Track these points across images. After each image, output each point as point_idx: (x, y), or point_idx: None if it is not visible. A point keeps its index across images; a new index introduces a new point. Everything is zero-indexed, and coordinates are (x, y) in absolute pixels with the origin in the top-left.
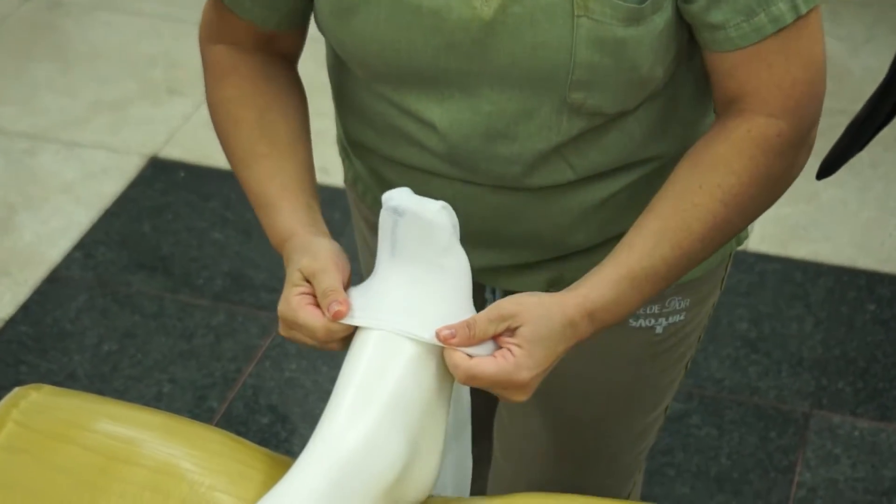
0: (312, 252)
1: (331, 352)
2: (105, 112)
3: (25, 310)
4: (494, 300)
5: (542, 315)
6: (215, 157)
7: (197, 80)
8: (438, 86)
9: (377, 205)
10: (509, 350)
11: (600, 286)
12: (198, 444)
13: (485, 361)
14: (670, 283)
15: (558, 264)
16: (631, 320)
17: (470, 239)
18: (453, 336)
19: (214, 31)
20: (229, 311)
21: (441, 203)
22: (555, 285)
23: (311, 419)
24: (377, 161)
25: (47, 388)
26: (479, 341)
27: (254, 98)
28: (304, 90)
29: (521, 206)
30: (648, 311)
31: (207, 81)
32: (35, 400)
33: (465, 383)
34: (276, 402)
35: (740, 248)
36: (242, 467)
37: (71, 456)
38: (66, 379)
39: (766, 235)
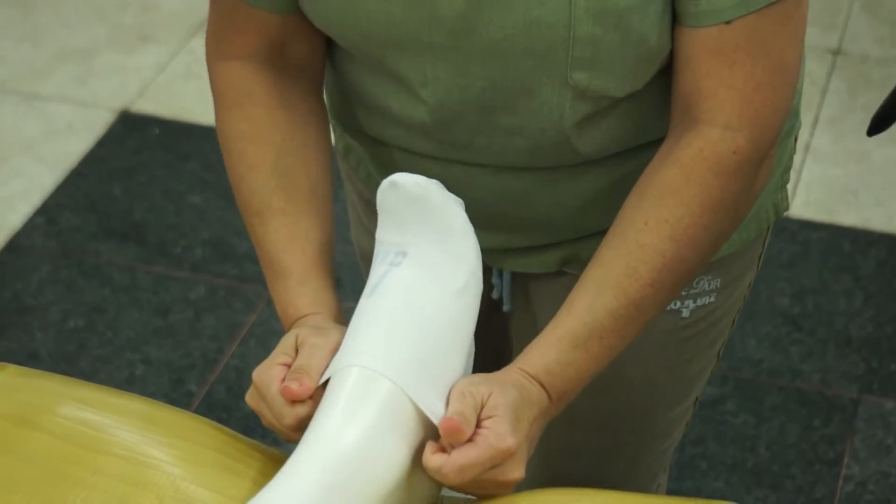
0: (320, 331)
1: None
2: (70, 61)
3: None
4: (501, 284)
5: (497, 384)
6: (193, 112)
7: (173, 25)
8: (423, 61)
9: (371, 179)
10: (481, 427)
11: (541, 349)
12: (178, 432)
13: (464, 449)
14: (630, 336)
15: (573, 244)
16: None
17: (476, 223)
18: (460, 432)
19: (223, 44)
20: (210, 283)
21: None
22: (569, 263)
23: None
24: (367, 140)
25: (12, 367)
26: (472, 429)
27: (271, 135)
28: (326, 116)
29: (528, 189)
30: None
31: (217, 110)
32: None
33: (457, 482)
34: None
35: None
36: (227, 460)
37: (39, 445)
38: (28, 359)
39: (810, 200)
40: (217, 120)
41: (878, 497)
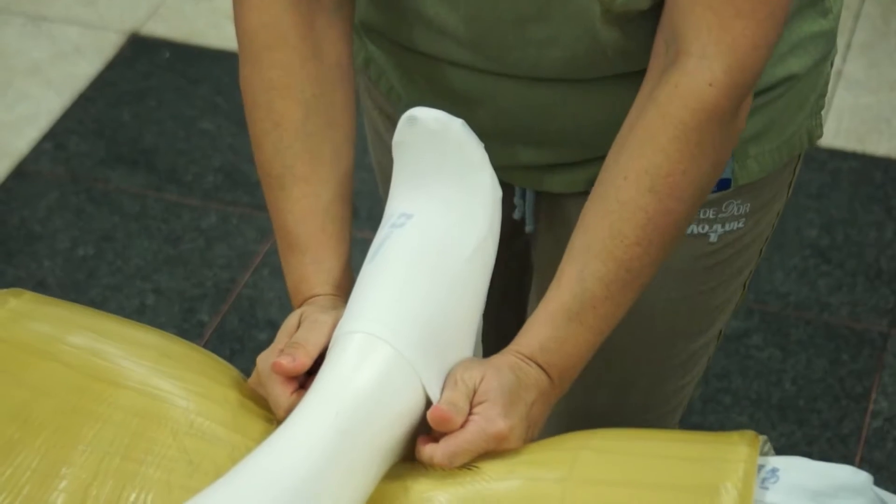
0: (325, 308)
1: None
2: None
3: None
4: (524, 204)
5: (492, 367)
6: (205, 35)
7: None
8: None
9: (393, 93)
10: (472, 413)
11: (534, 328)
12: (193, 367)
13: (455, 435)
14: (627, 302)
15: (600, 162)
16: None
17: (502, 136)
18: (450, 421)
19: None
20: (222, 211)
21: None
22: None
23: None
24: (394, 48)
25: (28, 294)
26: (465, 416)
27: (301, 89)
28: (353, 71)
29: (559, 100)
30: (702, 216)
31: (244, 52)
32: (14, 308)
33: (451, 465)
34: (275, 316)
35: None
36: (241, 397)
37: (52, 375)
38: (36, 287)
39: (841, 129)
40: (242, 64)
41: None
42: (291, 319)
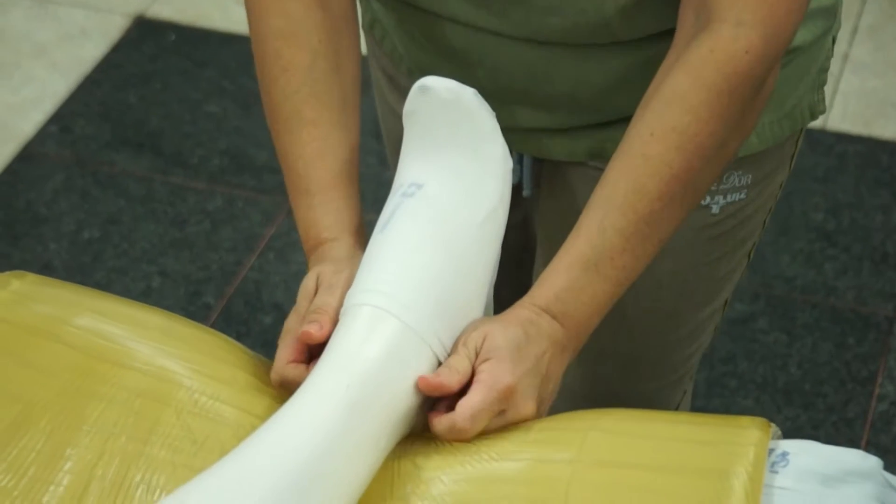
0: (336, 268)
1: None
2: None
3: None
4: (522, 171)
5: (499, 323)
6: (211, 18)
7: None
8: None
9: (396, 53)
10: (477, 372)
11: (550, 278)
12: (197, 346)
13: (466, 399)
14: (646, 256)
15: (600, 132)
16: None
17: (500, 96)
18: (441, 386)
19: None
20: (227, 194)
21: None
22: (597, 157)
23: None
24: (396, 4)
25: (31, 276)
26: (465, 377)
27: (308, 37)
28: (357, 21)
29: (556, 63)
30: None
31: (252, 6)
32: (17, 289)
33: (473, 432)
34: (280, 299)
35: (817, 126)
36: (247, 376)
37: (56, 356)
38: (42, 269)
39: (847, 112)
40: (250, 14)
41: None
42: (308, 282)
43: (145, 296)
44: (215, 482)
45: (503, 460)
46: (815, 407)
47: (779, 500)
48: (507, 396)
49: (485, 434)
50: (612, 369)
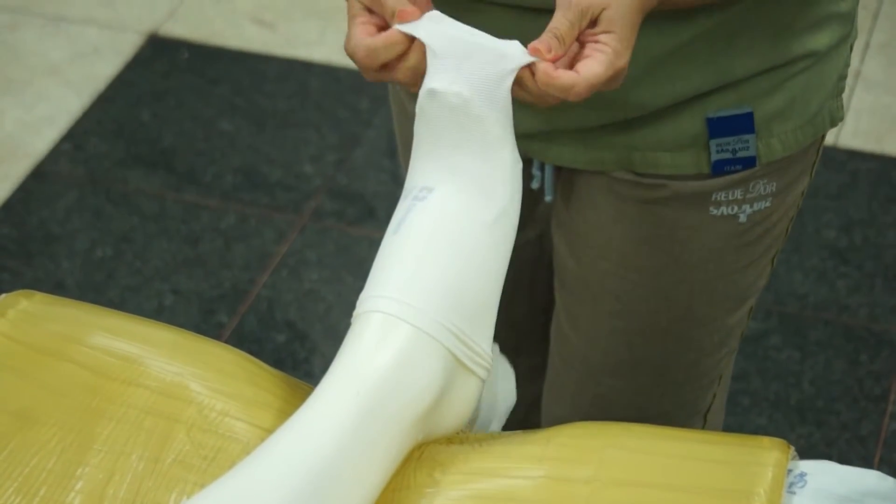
0: None
1: (356, 260)
2: None
3: (7, 209)
4: (542, 178)
5: None
6: (224, 35)
7: None
8: None
9: None
10: (598, 41)
11: None
12: (208, 363)
13: (589, 66)
14: None
15: (623, 136)
16: (712, 208)
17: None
18: (549, 50)
19: None
20: (240, 212)
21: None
22: (624, 167)
23: (334, 336)
24: None
25: (39, 295)
26: (569, 48)
27: None
28: None
29: None
30: (731, 198)
31: None
32: (25, 309)
33: (583, 96)
34: (294, 318)
35: (829, 143)
36: (259, 391)
37: (65, 374)
38: (54, 288)
39: (859, 129)
40: None
41: None
42: (354, 6)
43: (158, 314)
44: (228, 492)
45: (519, 477)
46: (828, 424)
47: None
48: (619, 77)
49: (499, 448)
50: (646, 378)
